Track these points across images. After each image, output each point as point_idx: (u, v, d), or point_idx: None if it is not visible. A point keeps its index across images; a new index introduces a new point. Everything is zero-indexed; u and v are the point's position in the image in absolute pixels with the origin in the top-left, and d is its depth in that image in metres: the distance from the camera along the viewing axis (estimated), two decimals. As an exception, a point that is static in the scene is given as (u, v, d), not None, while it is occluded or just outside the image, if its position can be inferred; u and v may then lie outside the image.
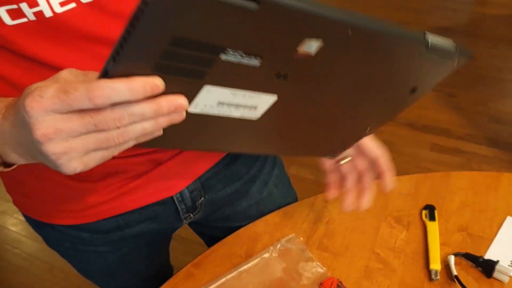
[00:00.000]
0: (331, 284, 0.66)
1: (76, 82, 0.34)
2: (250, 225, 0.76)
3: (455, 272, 0.65)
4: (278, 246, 0.72)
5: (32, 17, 0.45)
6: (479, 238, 0.71)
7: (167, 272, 0.88)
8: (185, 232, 0.90)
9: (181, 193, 0.70)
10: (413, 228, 0.73)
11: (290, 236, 0.73)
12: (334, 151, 0.58)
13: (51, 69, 0.49)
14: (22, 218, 1.92)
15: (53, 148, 0.35)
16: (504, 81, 2.36)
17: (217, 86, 0.37)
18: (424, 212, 0.75)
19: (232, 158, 0.74)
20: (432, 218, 0.74)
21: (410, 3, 3.08)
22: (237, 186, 0.76)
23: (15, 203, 0.70)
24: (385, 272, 0.68)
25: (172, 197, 0.69)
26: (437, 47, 0.41)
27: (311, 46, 0.35)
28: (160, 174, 0.65)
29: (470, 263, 0.67)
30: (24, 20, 0.45)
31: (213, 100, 0.38)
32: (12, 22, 0.45)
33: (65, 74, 0.36)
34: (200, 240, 0.90)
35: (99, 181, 0.62)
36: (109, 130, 0.34)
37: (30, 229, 2.08)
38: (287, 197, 0.83)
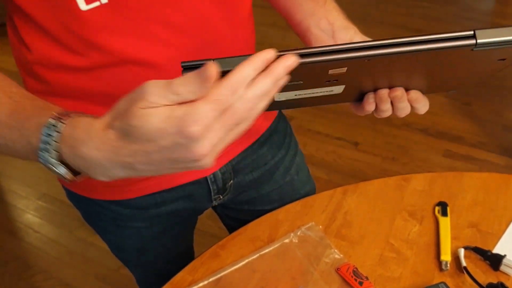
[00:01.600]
0: (347, 270, 0.70)
1: (163, 97, 0.36)
2: (272, 212, 0.81)
3: (464, 264, 0.69)
4: (298, 233, 0.77)
5: (105, 0, 0.51)
6: (488, 234, 0.75)
7: (191, 255, 0.94)
8: (201, 224, 0.96)
9: (214, 174, 0.75)
10: (426, 222, 0.78)
11: (310, 224, 0.78)
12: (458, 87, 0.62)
13: (116, 53, 0.54)
14: (43, 203, 2.00)
15: (208, 160, 0.38)
16: (520, 90, 2.39)
17: (283, 92, 0.47)
18: (437, 208, 0.79)
19: (259, 144, 0.80)
20: (444, 213, 0.78)
21: (432, 11, 3.11)
22: (263, 171, 0.82)
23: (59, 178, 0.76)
24: (398, 261, 0.72)
25: (206, 178, 0.75)
26: (491, 43, 0.42)
27: (339, 70, 0.44)
28: None
29: (478, 256, 0.72)
30: (97, 4, 0.51)
31: (290, 95, 0.50)
32: (87, 7, 0.51)
33: (150, 88, 0.37)
34: (215, 232, 0.96)
35: None
36: (242, 119, 0.38)
37: (50, 214, 2.17)
38: (306, 185, 0.90)
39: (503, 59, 0.47)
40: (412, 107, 0.56)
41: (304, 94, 0.51)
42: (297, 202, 0.83)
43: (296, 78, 0.44)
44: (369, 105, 0.55)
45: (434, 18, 3.04)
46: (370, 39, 0.46)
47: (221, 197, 0.80)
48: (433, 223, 0.78)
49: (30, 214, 1.99)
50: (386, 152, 2.06)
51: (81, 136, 0.41)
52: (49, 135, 0.42)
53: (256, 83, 0.37)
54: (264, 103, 0.39)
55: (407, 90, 0.55)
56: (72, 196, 0.77)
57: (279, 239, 0.76)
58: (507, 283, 0.67)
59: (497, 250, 0.73)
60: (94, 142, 0.40)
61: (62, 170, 0.44)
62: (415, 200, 0.82)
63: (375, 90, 0.55)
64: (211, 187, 0.77)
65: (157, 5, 0.54)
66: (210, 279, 0.71)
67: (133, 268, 0.91)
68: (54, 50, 0.55)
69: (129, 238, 0.81)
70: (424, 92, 0.57)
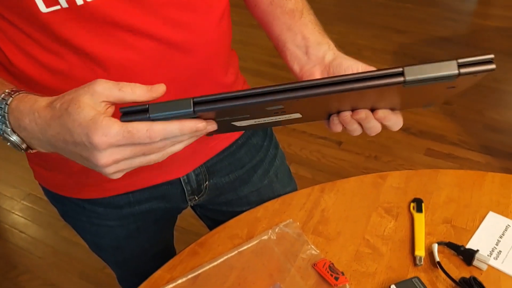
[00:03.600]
0: (324, 265, 0.72)
1: (112, 97, 0.44)
2: (251, 210, 0.82)
3: (437, 259, 0.71)
4: (276, 229, 0.78)
5: (65, 5, 0.51)
6: (462, 230, 0.77)
7: (171, 253, 0.94)
8: (184, 223, 0.96)
9: (187, 175, 0.76)
10: (401, 219, 0.79)
11: (288, 221, 0.79)
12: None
13: (81, 54, 0.54)
14: (28, 203, 1.99)
15: (108, 171, 0.46)
16: (500, 91, 2.43)
17: (240, 122, 0.52)
18: (412, 204, 0.81)
19: (237, 147, 0.80)
20: (419, 210, 0.80)
21: (414, 12, 3.15)
22: (240, 173, 0.83)
23: (36, 176, 0.76)
24: (374, 257, 0.74)
25: (179, 179, 0.76)
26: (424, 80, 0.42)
27: (276, 107, 0.47)
28: (170, 157, 0.71)
29: (452, 251, 0.73)
30: (58, 7, 0.51)
31: (249, 122, 0.53)
32: (47, 10, 0.51)
33: (99, 88, 0.44)
34: (197, 230, 0.97)
35: None
36: (152, 154, 0.46)
37: (36, 214, 2.15)
38: (286, 187, 0.89)
39: (452, 87, 0.46)
40: (382, 125, 0.55)
41: (262, 121, 0.53)
42: (275, 200, 0.84)
43: (240, 114, 0.48)
44: (335, 126, 0.55)
45: (417, 19, 3.08)
46: (316, 78, 0.45)
47: (197, 198, 0.81)
48: (408, 219, 0.79)
49: (15, 214, 1.98)
50: (369, 151, 2.08)
51: (25, 109, 0.47)
52: (0, 107, 0.48)
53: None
54: (176, 148, 0.48)
55: (374, 109, 0.54)
56: (49, 195, 0.78)
57: (257, 236, 0.77)
58: (479, 278, 0.69)
59: (470, 245, 0.74)
60: (34, 116, 0.47)
61: (15, 138, 0.49)
62: (391, 197, 0.83)
63: (338, 112, 0.54)
64: (185, 188, 0.78)
65: (121, 9, 0.54)
66: (189, 276, 0.72)
67: (113, 266, 0.92)
68: (26, 45, 0.55)
69: (105, 237, 0.81)
70: (397, 109, 0.55)
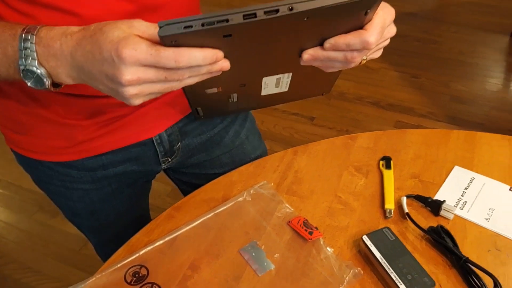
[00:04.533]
0: (298, 222, 0.74)
1: (146, 34, 0.45)
2: (226, 174, 0.84)
3: (406, 210, 0.74)
4: (251, 191, 0.79)
5: None
6: (430, 184, 0.80)
7: (147, 221, 0.95)
8: (159, 201, 0.96)
9: (160, 135, 0.77)
10: (371, 176, 0.82)
11: (262, 182, 0.81)
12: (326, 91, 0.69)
13: (53, 10, 0.54)
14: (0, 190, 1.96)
15: (130, 91, 0.45)
16: (465, 63, 2.49)
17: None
18: (381, 162, 0.84)
19: None
20: (388, 167, 0.82)
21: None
22: (212, 134, 0.84)
23: (8, 141, 0.75)
24: (346, 212, 0.76)
25: (151, 139, 0.77)
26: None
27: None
28: (141, 116, 0.72)
29: (420, 203, 0.76)
30: None
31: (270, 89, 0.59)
32: None
33: (138, 24, 0.45)
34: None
35: (85, 119, 0.69)
36: (173, 81, 0.46)
37: (8, 199, 2.11)
38: (257, 149, 0.92)
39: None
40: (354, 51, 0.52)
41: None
42: (250, 164, 0.86)
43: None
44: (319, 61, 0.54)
45: (384, -4, 3.11)
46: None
47: (170, 159, 0.82)
48: (378, 176, 0.82)
49: (-15, 201, 1.94)
50: (341, 125, 2.12)
51: (57, 35, 0.47)
52: (26, 39, 0.48)
53: (195, 69, 0.46)
54: (192, 80, 0.47)
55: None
56: (22, 160, 0.77)
57: (233, 198, 0.79)
58: (446, 226, 0.72)
59: (437, 197, 0.78)
60: (66, 39, 0.47)
61: (42, 70, 0.49)
62: (361, 157, 0.86)
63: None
64: (157, 149, 0.79)
65: None
66: (166, 238, 0.73)
67: (88, 233, 0.92)
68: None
69: (79, 201, 0.81)
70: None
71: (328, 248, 0.70)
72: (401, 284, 0.63)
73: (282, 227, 0.74)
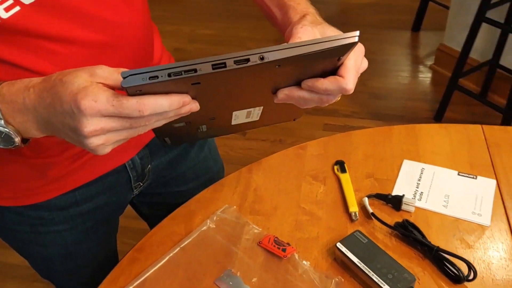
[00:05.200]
0: (269, 241, 0.72)
1: (110, 80, 0.43)
2: (184, 205, 0.80)
3: (371, 210, 0.75)
4: (214, 217, 0.77)
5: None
6: (385, 181, 0.82)
7: (116, 261, 0.90)
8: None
9: (132, 160, 0.76)
10: (329, 182, 0.82)
11: (224, 207, 0.78)
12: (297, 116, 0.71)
13: (12, 66, 0.52)
14: None
15: (95, 142, 0.43)
16: (376, 61, 2.62)
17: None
18: (335, 167, 0.85)
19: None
20: (343, 170, 0.83)
21: None
22: (179, 150, 0.84)
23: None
24: (313, 222, 0.76)
25: (125, 165, 0.75)
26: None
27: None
28: None
29: (381, 201, 0.78)
30: None
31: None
32: None
33: (100, 71, 0.43)
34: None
35: (56, 156, 0.65)
36: (139, 127, 0.45)
37: None
38: (217, 162, 0.93)
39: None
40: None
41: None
42: (206, 190, 0.83)
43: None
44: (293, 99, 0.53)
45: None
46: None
47: (141, 184, 0.81)
48: (335, 181, 0.83)
49: None
50: (273, 136, 2.14)
51: (19, 89, 0.46)
52: None
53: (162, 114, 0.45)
54: (160, 123, 0.46)
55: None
56: None
57: (196, 228, 0.75)
58: (410, 219, 0.74)
59: (395, 193, 0.79)
60: (28, 92, 0.45)
61: (9, 128, 0.47)
62: (315, 165, 0.86)
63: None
64: (130, 174, 0.77)
65: (37, 21, 0.52)
66: (135, 284, 0.68)
67: (59, 280, 0.85)
68: None
69: (52, 245, 0.76)
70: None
71: (304, 261, 0.69)
72: (384, 285, 0.63)
73: (254, 249, 0.72)
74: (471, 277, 0.65)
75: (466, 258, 0.66)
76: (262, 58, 0.43)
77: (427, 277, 0.67)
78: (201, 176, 0.87)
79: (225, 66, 0.42)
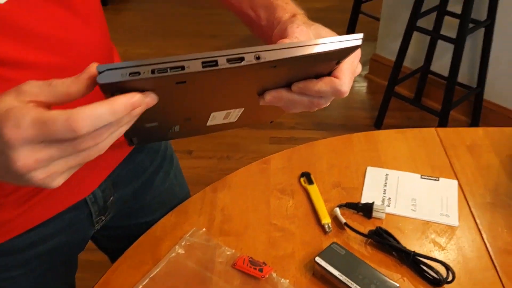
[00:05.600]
0: (244, 262, 0.68)
1: (42, 95, 0.35)
2: (148, 232, 0.75)
3: (344, 220, 0.74)
4: (183, 242, 0.72)
5: None
6: (352, 189, 0.81)
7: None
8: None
9: (93, 193, 0.69)
10: (297, 195, 0.80)
11: (192, 230, 0.74)
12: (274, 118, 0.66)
13: None
14: None
15: (37, 176, 0.35)
16: (314, 73, 2.67)
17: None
18: (302, 179, 0.83)
19: (136, 152, 0.75)
20: (310, 182, 0.82)
21: (220, 17, 3.28)
22: (143, 179, 0.78)
23: None
24: (287, 238, 0.73)
25: (85, 199, 0.68)
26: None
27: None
28: (72, 176, 0.61)
29: (352, 210, 0.77)
30: None
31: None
32: None
33: (27, 87, 0.35)
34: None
35: (10, 194, 0.57)
36: (89, 149, 0.36)
37: None
38: (184, 188, 0.88)
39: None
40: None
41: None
42: (170, 214, 0.78)
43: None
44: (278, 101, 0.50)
45: (225, 23, 3.22)
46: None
47: (103, 218, 0.73)
48: (303, 194, 0.81)
49: None
50: (220, 153, 2.10)
51: None
52: None
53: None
54: (116, 135, 0.38)
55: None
56: None
57: (164, 256, 0.70)
58: (382, 226, 0.73)
59: (364, 201, 0.79)
60: None
61: None
62: (281, 178, 0.84)
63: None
64: (92, 209, 0.69)
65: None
66: (104, 324, 0.62)
67: None
68: None
69: None
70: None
71: (283, 280, 0.67)
72: (369, 296, 0.62)
73: (229, 272, 0.68)
74: (450, 279, 0.65)
75: (443, 261, 0.67)
76: (258, 58, 0.39)
77: (407, 283, 0.66)
78: (167, 204, 0.81)
79: (217, 65, 0.38)
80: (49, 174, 0.36)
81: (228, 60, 0.38)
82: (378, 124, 2.23)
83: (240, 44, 2.97)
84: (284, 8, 0.54)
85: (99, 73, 0.35)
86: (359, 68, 0.51)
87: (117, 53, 0.71)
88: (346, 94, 0.47)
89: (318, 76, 0.48)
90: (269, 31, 0.55)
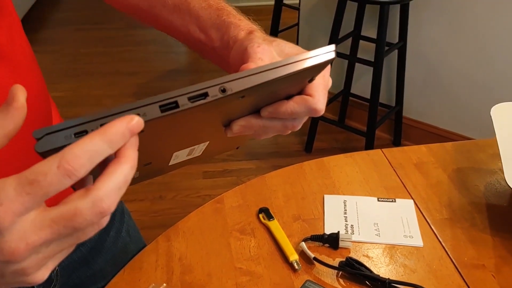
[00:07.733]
0: (214, 315, 0.62)
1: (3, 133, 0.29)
2: (99, 295, 0.66)
3: (312, 255, 0.70)
4: (142, 302, 0.64)
5: None
6: (313, 220, 0.78)
7: None
8: None
9: None
10: (258, 233, 0.76)
11: (151, 286, 0.66)
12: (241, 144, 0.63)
13: None
14: None
15: (26, 265, 0.27)
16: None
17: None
18: (261, 215, 0.78)
19: None
20: (270, 217, 0.78)
21: (137, 54, 3.20)
22: (92, 242, 0.68)
23: None
24: (255, 281, 0.68)
25: None
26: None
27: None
28: None
29: (317, 243, 0.74)
30: None
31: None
32: None
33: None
34: None
35: None
36: (87, 227, 0.28)
37: None
38: (139, 243, 0.79)
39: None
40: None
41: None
42: (122, 271, 0.70)
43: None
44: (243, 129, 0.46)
45: (142, 59, 3.14)
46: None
47: None
48: (265, 231, 0.76)
49: None
50: (152, 194, 2.00)
51: None
52: None
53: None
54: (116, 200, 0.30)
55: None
56: None
57: (122, 321, 0.62)
58: (351, 255, 0.71)
59: (327, 230, 0.76)
60: None
61: None
62: (238, 217, 0.79)
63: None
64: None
65: None
66: None
67: None
68: None
69: None
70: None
71: (259, 330, 0.61)
72: (354, 334, 0.58)
73: (199, 330, 0.61)
74: (428, 302, 0.64)
75: (417, 284, 0.65)
76: (223, 90, 0.35)
77: (387, 313, 0.64)
78: (122, 265, 0.72)
79: (178, 106, 0.33)
80: (39, 262, 0.28)
81: (190, 99, 0.34)
82: (309, 148, 2.26)
83: (161, 80, 2.90)
84: (238, 25, 0.50)
85: (37, 139, 0.29)
86: (330, 82, 0.47)
87: (55, 108, 0.63)
88: (323, 112, 0.44)
89: (289, 96, 0.45)
90: (224, 52, 0.50)
